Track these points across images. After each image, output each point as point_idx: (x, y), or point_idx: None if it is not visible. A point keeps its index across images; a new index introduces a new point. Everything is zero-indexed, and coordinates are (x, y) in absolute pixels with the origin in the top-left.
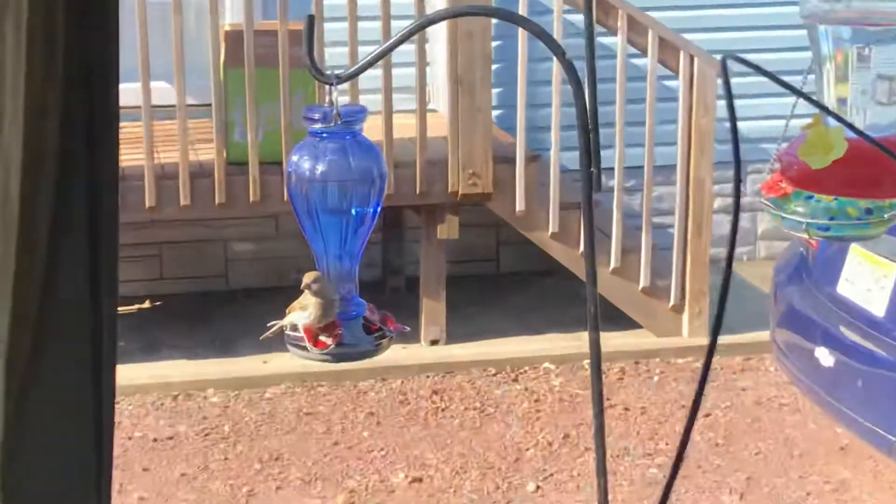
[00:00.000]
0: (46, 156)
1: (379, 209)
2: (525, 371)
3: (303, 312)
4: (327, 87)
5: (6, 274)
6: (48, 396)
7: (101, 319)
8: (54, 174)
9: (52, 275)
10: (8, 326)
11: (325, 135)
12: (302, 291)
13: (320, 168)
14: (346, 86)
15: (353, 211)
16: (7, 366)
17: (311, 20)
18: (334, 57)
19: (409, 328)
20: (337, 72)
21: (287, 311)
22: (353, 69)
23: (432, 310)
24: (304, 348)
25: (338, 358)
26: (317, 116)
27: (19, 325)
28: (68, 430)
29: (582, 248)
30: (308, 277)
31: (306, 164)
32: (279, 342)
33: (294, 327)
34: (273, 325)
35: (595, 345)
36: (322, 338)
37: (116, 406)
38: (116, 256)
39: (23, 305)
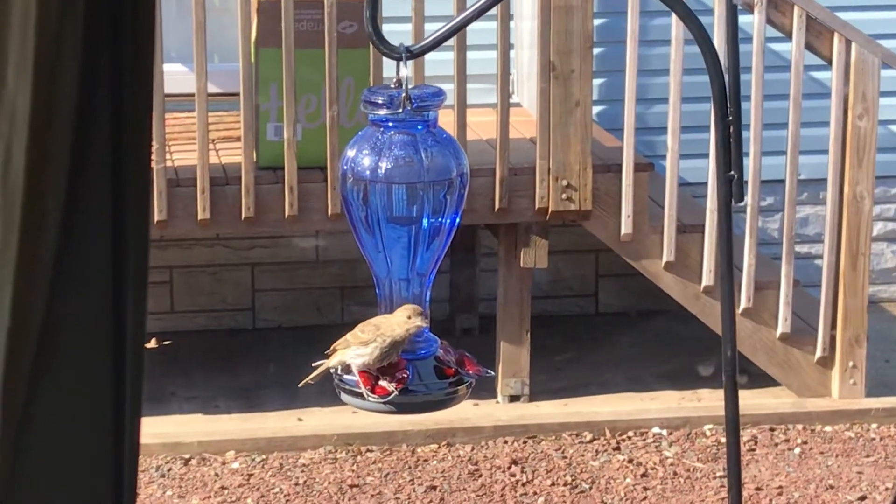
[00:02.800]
0: (61, 114)
1: (458, 219)
2: (629, 437)
3: (361, 349)
4: (394, 64)
5: (6, 263)
6: (45, 451)
7: (125, 340)
8: (70, 139)
9: (62, 270)
10: (6, 338)
11: (390, 124)
12: (364, 321)
13: (384, 166)
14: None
15: (425, 221)
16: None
17: None
18: (393, 36)
19: (493, 373)
20: (406, 45)
21: (333, 347)
22: (427, 40)
23: (512, 357)
24: (360, 395)
25: (402, 408)
26: (381, 101)
27: (18, 338)
28: (74, 489)
29: (705, 281)
30: (411, 310)
31: (366, 161)
32: (318, 391)
33: (347, 368)
34: (318, 366)
35: (732, 405)
36: (383, 382)
37: None
38: (147, 252)
39: (24, 310)
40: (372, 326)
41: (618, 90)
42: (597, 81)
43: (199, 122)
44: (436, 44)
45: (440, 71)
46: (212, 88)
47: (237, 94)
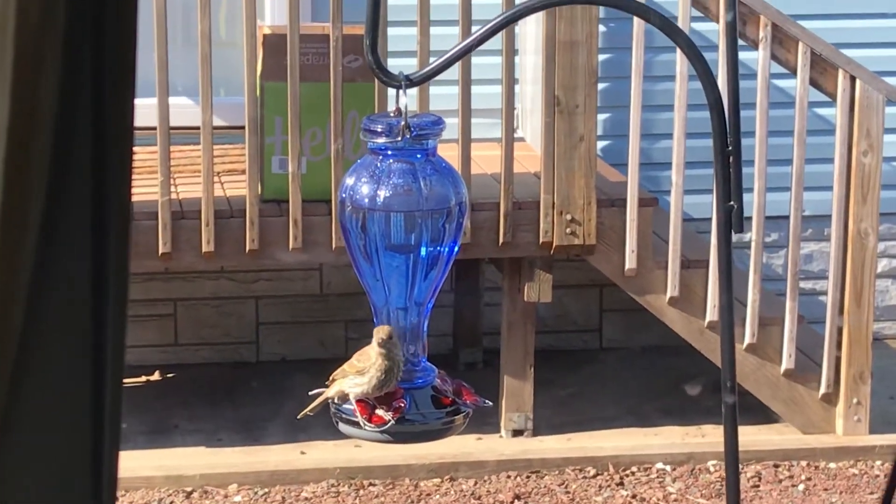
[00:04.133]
0: (40, 124)
1: (457, 248)
2: (633, 472)
3: (358, 378)
4: (394, 94)
5: None
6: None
7: (104, 373)
8: (49, 149)
9: (41, 284)
10: None
11: (389, 152)
12: (359, 350)
13: (383, 194)
14: (405, 102)
15: (424, 250)
16: None
17: (375, 4)
18: (397, 70)
19: (490, 403)
20: (406, 73)
21: (331, 377)
22: (427, 69)
23: (516, 391)
24: (356, 424)
25: (399, 437)
26: (380, 129)
27: None
28: None
29: (709, 317)
30: (383, 332)
31: (365, 189)
32: (321, 424)
33: (344, 397)
34: (316, 395)
35: (732, 440)
36: (380, 412)
37: None
38: (127, 269)
39: (2, 320)
40: (365, 355)
41: (622, 125)
42: (601, 116)
43: (204, 154)
44: (435, 72)
45: (444, 105)
46: (217, 121)
47: (242, 128)
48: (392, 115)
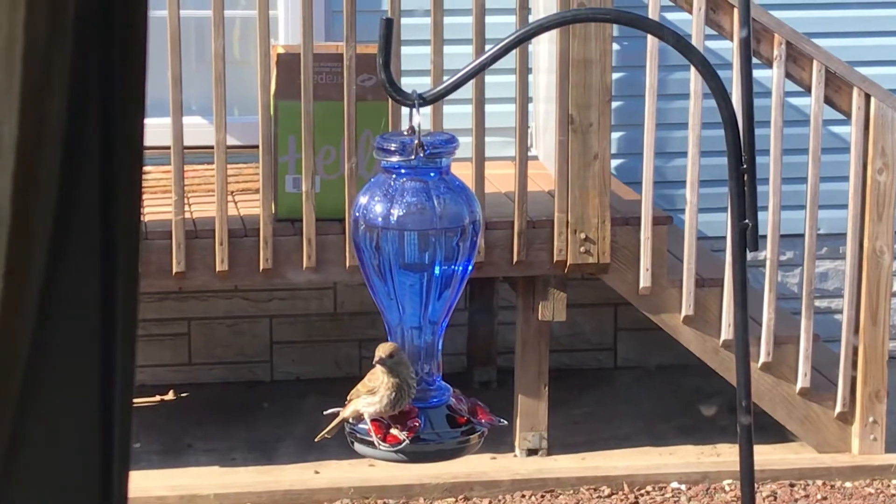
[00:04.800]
0: (48, 140)
1: (471, 267)
2: (647, 492)
3: (370, 398)
4: (408, 112)
5: None
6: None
7: (113, 392)
8: (57, 166)
9: (49, 303)
10: None
11: (403, 171)
12: (371, 370)
13: (396, 213)
14: (418, 120)
15: (438, 269)
16: None
17: (388, 24)
18: (412, 88)
19: (505, 422)
20: (420, 91)
21: (349, 398)
22: (440, 87)
23: (530, 410)
24: (371, 444)
25: (414, 457)
26: (393, 147)
27: (4, 369)
28: None
29: (724, 335)
30: (383, 349)
31: (378, 208)
32: (335, 444)
33: (359, 417)
34: (331, 415)
35: (747, 460)
36: (394, 431)
37: None
38: (137, 290)
39: (10, 339)
40: (376, 374)
41: (636, 143)
42: (615, 135)
43: (217, 174)
44: (448, 91)
45: (458, 124)
46: (231, 141)
47: (256, 147)
48: (405, 133)
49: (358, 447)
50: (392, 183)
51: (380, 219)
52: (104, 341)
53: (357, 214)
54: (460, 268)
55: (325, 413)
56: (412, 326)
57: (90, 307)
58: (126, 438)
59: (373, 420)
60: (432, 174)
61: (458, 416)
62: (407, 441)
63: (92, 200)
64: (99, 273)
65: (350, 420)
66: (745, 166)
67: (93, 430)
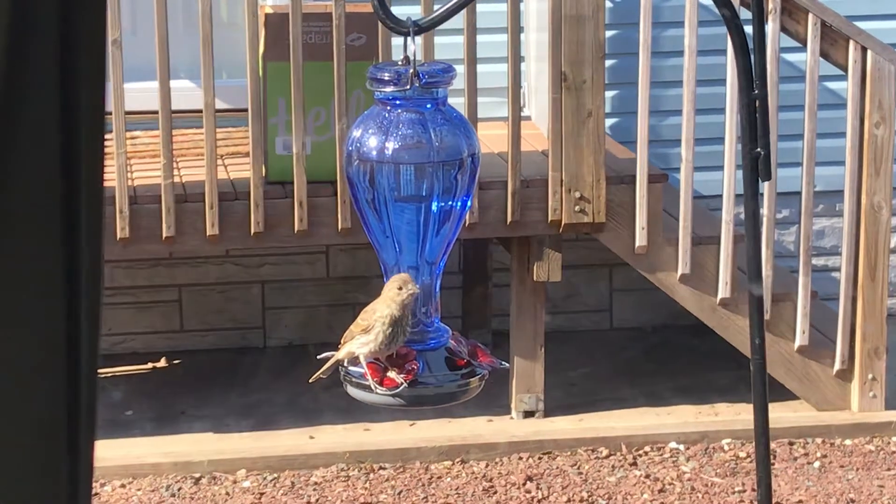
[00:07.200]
0: (4, 111)
1: (469, 202)
2: (646, 452)
3: (364, 337)
4: (403, 42)
5: None
6: None
7: (79, 363)
8: (13, 138)
9: (11, 276)
10: None
11: (398, 102)
12: (363, 309)
13: (391, 146)
14: (414, 49)
15: (435, 204)
16: None
17: None
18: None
19: (506, 364)
20: (414, 19)
21: (342, 340)
22: (435, 14)
23: (526, 372)
24: (367, 388)
25: (411, 401)
26: (387, 77)
27: None
28: None
29: (721, 294)
30: (400, 279)
31: (372, 141)
32: (330, 409)
33: (354, 360)
34: (326, 359)
35: (762, 416)
36: (392, 374)
37: (121, 490)
38: (101, 261)
39: None
40: (369, 311)
41: (630, 102)
42: (609, 93)
43: (207, 137)
44: (444, 17)
45: (450, 54)
46: (220, 104)
47: (245, 110)
48: (400, 63)
49: (352, 391)
50: (387, 115)
51: (374, 152)
52: (69, 311)
53: (350, 148)
54: (459, 203)
55: (318, 358)
56: (409, 266)
57: (54, 277)
58: (92, 407)
59: (369, 363)
60: (429, 105)
61: (457, 358)
62: (405, 384)
63: (53, 171)
64: (62, 244)
65: (344, 363)
66: (756, 92)
67: (58, 399)
